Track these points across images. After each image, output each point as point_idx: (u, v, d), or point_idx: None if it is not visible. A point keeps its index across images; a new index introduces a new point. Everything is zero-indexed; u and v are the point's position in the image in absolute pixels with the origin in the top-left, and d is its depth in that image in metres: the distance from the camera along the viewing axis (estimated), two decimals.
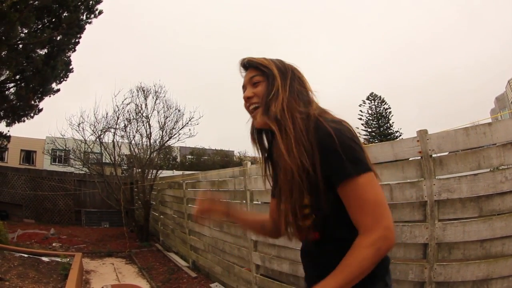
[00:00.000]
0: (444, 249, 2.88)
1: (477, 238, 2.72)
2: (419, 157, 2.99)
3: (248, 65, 1.59)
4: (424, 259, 2.95)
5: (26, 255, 6.82)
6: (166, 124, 12.16)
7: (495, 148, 2.67)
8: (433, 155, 2.94)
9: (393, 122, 49.97)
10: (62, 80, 13.68)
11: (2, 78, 11.63)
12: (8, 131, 14.70)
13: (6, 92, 12.55)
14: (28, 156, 33.37)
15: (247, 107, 1.59)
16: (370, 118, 50.44)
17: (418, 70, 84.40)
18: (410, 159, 3.14)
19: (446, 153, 2.97)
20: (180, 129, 12.26)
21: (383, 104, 50.62)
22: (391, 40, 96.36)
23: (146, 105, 12.27)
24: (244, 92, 1.59)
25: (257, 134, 1.64)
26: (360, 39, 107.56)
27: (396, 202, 3.10)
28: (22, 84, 12.42)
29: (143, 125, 12.21)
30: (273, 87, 1.46)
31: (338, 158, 1.26)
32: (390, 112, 50.21)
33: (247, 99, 1.56)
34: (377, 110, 50.60)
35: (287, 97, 1.44)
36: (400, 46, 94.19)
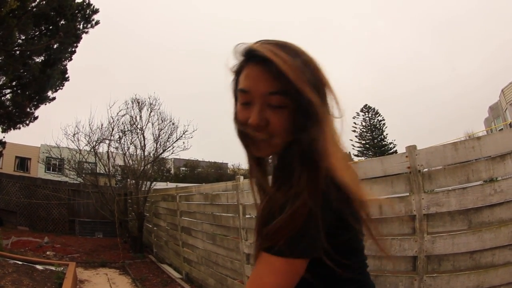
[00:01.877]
0: (433, 261, 2.91)
1: (467, 249, 2.76)
2: (408, 172, 3.03)
3: (263, 62, 0.96)
4: (413, 271, 2.98)
5: (20, 262, 6.78)
6: (160, 137, 12.25)
7: (484, 162, 2.72)
8: (422, 170, 2.97)
9: (387, 134, 50.15)
10: (58, 88, 13.70)
11: None
12: (4, 137, 14.71)
13: (2, 98, 12.55)
14: (22, 163, 33.22)
15: (245, 131, 1.04)
16: (364, 130, 50.58)
17: (409, 79, 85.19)
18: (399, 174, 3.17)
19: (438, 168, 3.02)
20: (174, 142, 12.34)
21: (377, 115, 50.81)
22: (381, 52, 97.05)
23: (140, 117, 12.37)
24: (243, 104, 1.04)
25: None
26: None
27: (385, 216, 3.14)
28: (19, 91, 12.43)
29: (138, 137, 12.29)
30: (312, 130, 0.94)
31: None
32: (384, 124, 50.37)
33: (257, 128, 1.00)
34: (371, 122, 50.76)
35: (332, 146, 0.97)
36: (391, 57, 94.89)
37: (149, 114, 12.41)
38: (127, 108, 12.38)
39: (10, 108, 12.75)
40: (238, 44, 1.04)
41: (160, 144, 12.21)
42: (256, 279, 0.95)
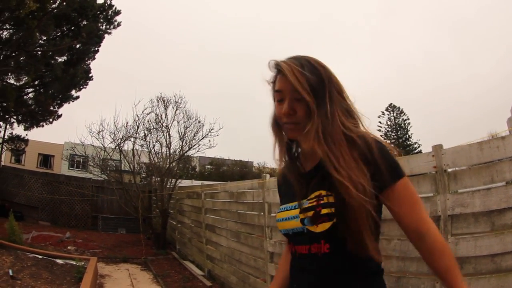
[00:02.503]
0: None
1: (488, 252, 2.72)
2: (434, 172, 3.01)
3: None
4: None
5: (40, 256, 6.86)
6: (186, 135, 12.23)
7: (508, 162, 2.66)
8: (448, 170, 2.95)
9: (411, 133, 49.74)
10: (81, 87, 13.90)
11: (21, 83, 11.81)
12: (26, 134, 14.99)
13: (25, 97, 12.74)
14: (45, 160, 33.81)
15: (282, 122, 1.43)
16: (389, 129, 50.34)
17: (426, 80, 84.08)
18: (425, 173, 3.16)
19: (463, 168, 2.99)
20: (200, 140, 12.31)
21: (401, 115, 50.47)
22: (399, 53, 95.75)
23: (166, 115, 12.38)
24: (279, 101, 1.42)
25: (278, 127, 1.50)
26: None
27: None
28: (41, 90, 12.61)
29: (163, 134, 12.34)
30: (308, 113, 1.33)
31: (381, 166, 1.27)
32: (409, 123, 50.03)
33: (288, 116, 1.37)
34: (396, 121, 50.45)
35: (330, 121, 1.30)
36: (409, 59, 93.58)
37: (175, 112, 12.42)
38: (153, 106, 12.44)
39: (32, 107, 12.96)
40: (270, 60, 1.43)
41: (185, 142, 12.23)
42: (413, 195, 1.33)
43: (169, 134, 12.30)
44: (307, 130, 1.31)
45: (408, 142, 49.23)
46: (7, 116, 13.16)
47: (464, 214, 2.84)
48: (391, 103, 51.50)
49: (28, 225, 12.51)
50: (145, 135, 12.28)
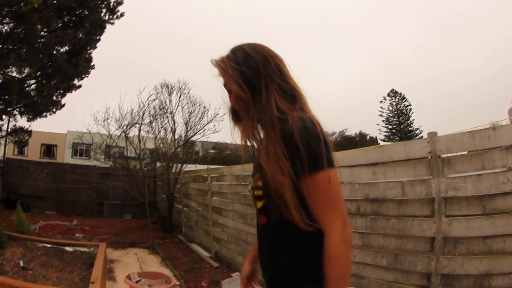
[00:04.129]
0: (449, 243, 3.11)
1: (480, 234, 2.93)
2: (429, 157, 3.23)
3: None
4: (431, 251, 3.19)
5: (49, 245, 6.95)
6: (191, 120, 12.27)
7: (498, 151, 2.86)
8: (442, 156, 3.17)
9: (413, 119, 49.81)
10: (84, 76, 13.80)
11: (24, 75, 11.81)
12: (30, 126, 14.96)
13: (27, 88, 12.68)
14: (48, 150, 33.79)
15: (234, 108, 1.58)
16: (391, 115, 50.41)
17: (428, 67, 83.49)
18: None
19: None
20: (205, 125, 12.35)
21: (403, 101, 50.50)
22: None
23: (170, 101, 12.45)
24: (229, 92, 1.54)
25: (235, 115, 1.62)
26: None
27: (407, 198, 3.38)
28: (44, 81, 12.58)
29: (168, 120, 12.42)
30: (248, 105, 1.45)
31: (300, 154, 1.28)
32: (410, 109, 50.10)
33: (234, 104, 1.53)
34: (398, 107, 50.52)
35: (264, 108, 1.40)
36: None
37: (179, 98, 12.49)
38: (157, 93, 12.52)
39: (35, 98, 12.96)
40: (211, 59, 1.53)
41: (190, 127, 12.28)
42: (327, 191, 1.31)
43: (173, 120, 12.41)
44: (243, 123, 1.50)
45: (410, 128, 49.38)
46: (9, 109, 13.18)
47: (457, 197, 3.06)
48: (392, 89, 51.64)
49: (35, 216, 12.44)
50: (150, 121, 12.38)
